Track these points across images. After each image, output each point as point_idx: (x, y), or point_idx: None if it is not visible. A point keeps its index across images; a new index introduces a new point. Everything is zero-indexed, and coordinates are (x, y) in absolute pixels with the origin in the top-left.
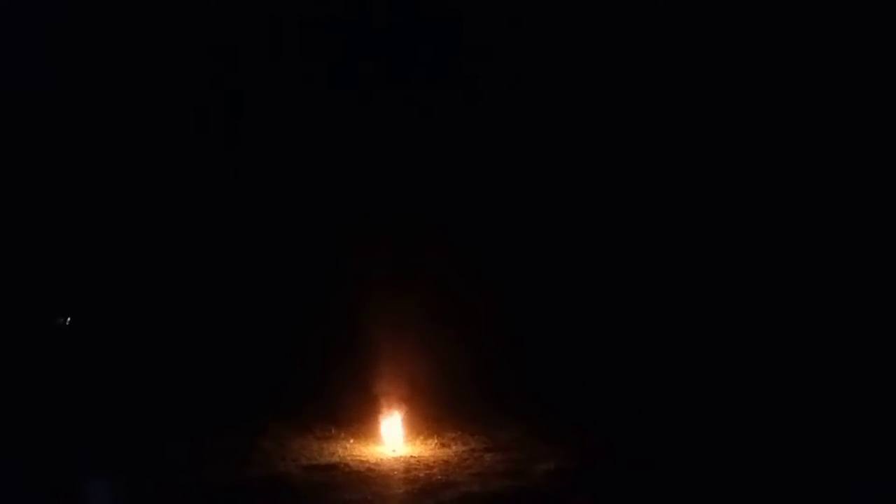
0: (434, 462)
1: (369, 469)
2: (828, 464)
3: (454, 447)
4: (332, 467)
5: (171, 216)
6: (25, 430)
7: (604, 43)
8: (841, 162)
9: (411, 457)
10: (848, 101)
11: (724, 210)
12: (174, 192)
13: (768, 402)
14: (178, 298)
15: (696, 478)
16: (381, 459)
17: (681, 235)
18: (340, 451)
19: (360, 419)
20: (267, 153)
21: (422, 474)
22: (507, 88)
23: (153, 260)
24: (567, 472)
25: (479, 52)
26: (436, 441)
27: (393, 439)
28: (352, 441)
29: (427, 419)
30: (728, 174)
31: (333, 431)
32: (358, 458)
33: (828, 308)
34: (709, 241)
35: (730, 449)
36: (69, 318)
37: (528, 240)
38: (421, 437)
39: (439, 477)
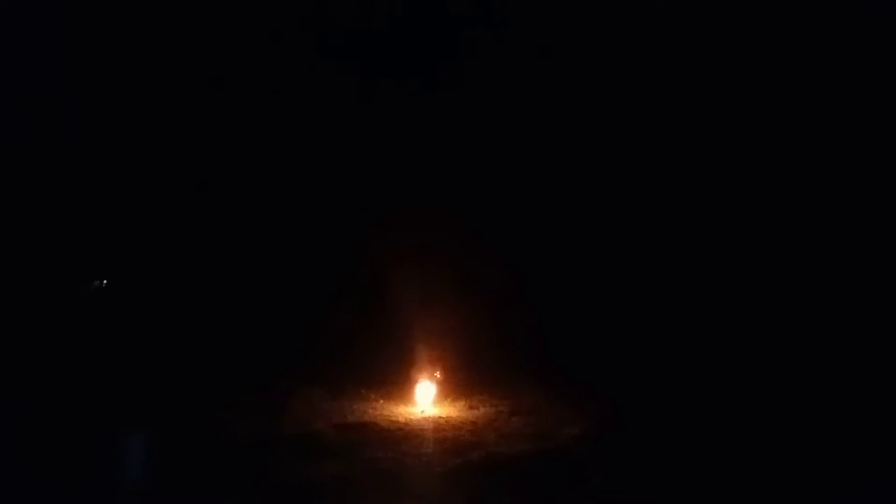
0: (462, 423)
1: (399, 429)
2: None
3: (482, 409)
4: (363, 426)
5: (207, 189)
6: (63, 388)
7: (605, 42)
8: (841, 162)
9: (440, 418)
10: (848, 102)
11: (735, 182)
12: (207, 164)
13: (788, 375)
14: (214, 262)
15: (716, 442)
16: (410, 420)
17: (694, 213)
18: (371, 411)
19: (390, 381)
20: (297, 129)
21: (450, 434)
22: (525, 81)
23: (190, 227)
24: (591, 436)
25: (489, 50)
26: (464, 403)
27: (422, 401)
28: (382, 402)
29: (455, 382)
30: (729, 165)
31: (364, 392)
32: (388, 418)
33: (834, 290)
34: (723, 215)
35: (749, 415)
36: (105, 281)
37: (553, 212)
38: (449, 399)
39: (467, 437)
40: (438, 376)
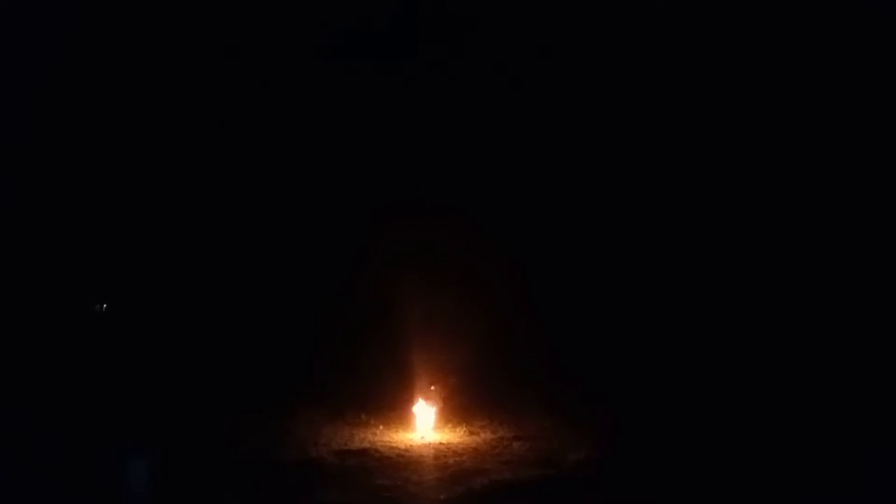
0: (463, 449)
1: (399, 455)
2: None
3: (483, 435)
4: (364, 453)
5: (204, 202)
6: (64, 411)
7: (604, 42)
8: (841, 162)
9: (441, 444)
10: (848, 102)
11: (733, 196)
12: (206, 178)
13: (798, 390)
14: (213, 282)
15: (723, 467)
16: (411, 446)
17: (698, 222)
18: (371, 437)
19: (389, 406)
20: (297, 139)
21: (451, 461)
22: (524, 82)
23: (188, 245)
24: (596, 461)
25: (486, 50)
26: (465, 429)
27: (422, 426)
28: (381, 427)
29: (456, 407)
30: (729, 172)
31: (364, 418)
32: (388, 444)
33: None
34: (730, 225)
35: (757, 434)
36: (105, 305)
37: (557, 229)
38: (450, 425)
39: (469, 464)
40: (439, 400)
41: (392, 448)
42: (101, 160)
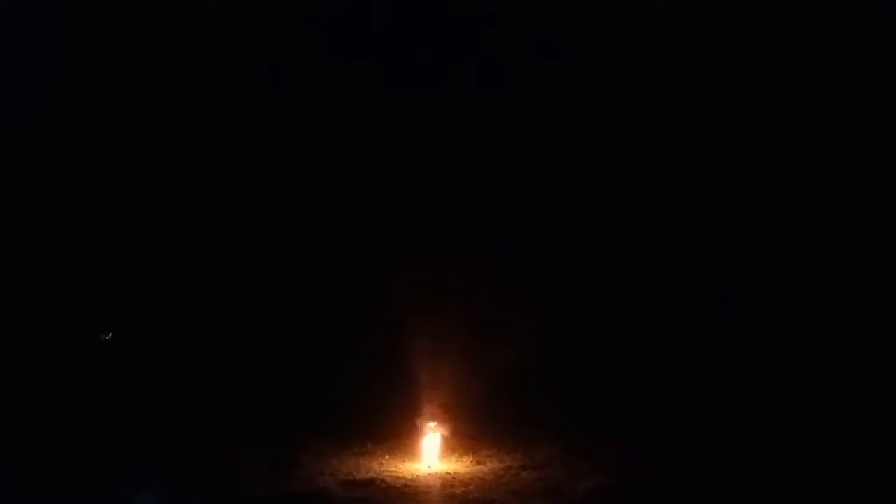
0: (470, 479)
1: (406, 485)
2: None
3: (490, 464)
4: (370, 483)
5: (214, 231)
6: (71, 441)
7: (604, 42)
8: (841, 162)
9: (447, 473)
10: (848, 102)
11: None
12: (216, 208)
13: (813, 414)
14: (221, 313)
15: (737, 494)
16: (418, 476)
17: (713, 248)
18: (377, 466)
19: (396, 435)
20: (306, 168)
21: (458, 491)
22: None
23: (196, 275)
24: (606, 490)
25: (494, 58)
26: (472, 458)
27: (429, 456)
28: (388, 457)
29: (463, 436)
30: (730, 174)
31: (370, 447)
32: (394, 474)
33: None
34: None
35: (771, 462)
36: (111, 334)
37: (565, 256)
38: (457, 454)
39: (476, 494)
40: (445, 430)
41: (398, 478)
42: (104, 174)
